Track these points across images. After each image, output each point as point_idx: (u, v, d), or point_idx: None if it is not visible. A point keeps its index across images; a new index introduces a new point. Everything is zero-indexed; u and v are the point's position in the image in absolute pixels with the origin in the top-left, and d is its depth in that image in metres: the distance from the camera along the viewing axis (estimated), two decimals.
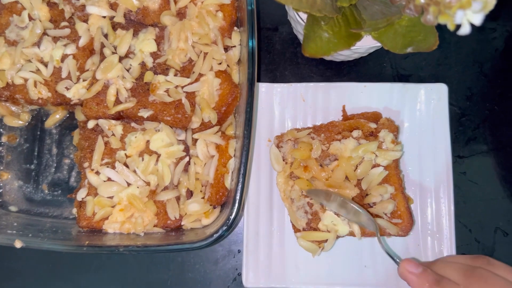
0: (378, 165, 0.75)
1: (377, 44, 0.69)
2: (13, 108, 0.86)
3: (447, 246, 0.78)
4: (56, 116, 0.86)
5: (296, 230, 0.76)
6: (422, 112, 0.83)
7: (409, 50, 0.63)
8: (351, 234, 0.75)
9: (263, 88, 0.84)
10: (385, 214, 0.75)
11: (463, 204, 0.84)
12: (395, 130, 0.77)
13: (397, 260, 0.68)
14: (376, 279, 0.78)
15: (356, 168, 0.75)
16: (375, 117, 0.79)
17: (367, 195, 0.76)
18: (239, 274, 0.83)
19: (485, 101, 0.89)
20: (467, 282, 0.58)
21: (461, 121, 0.88)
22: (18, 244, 0.69)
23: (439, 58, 0.90)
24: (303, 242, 0.75)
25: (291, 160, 0.77)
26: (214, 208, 0.79)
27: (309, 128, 0.80)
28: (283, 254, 0.80)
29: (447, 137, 0.81)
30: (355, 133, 0.76)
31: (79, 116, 0.82)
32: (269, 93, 0.84)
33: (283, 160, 0.78)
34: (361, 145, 0.74)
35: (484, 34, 0.91)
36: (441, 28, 0.56)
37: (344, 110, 0.82)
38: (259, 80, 0.86)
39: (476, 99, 0.89)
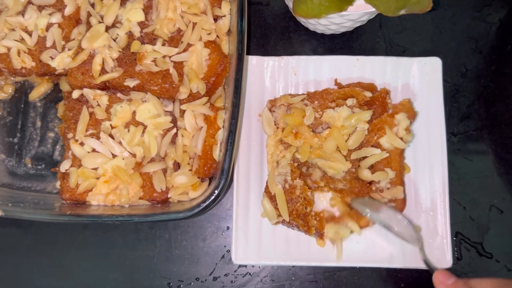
0: (379, 145, 0.73)
1: (369, 10, 0.67)
2: None
3: (441, 223, 0.76)
4: (41, 89, 0.84)
5: (267, 192, 0.73)
6: (416, 86, 0.81)
7: (402, 12, 0.61)
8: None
9: (253, 61, 0.82)
10: (380, 192, 0.73)
11: (457, 181, 0.82)
12: (413, 117, 0.74)
13: (433, 269, 0.68)
14: (367, 255, 0.76)
15: (349, 138, 0.73)
16: (370, 88, 0.78)
17: (359, 167, 0.74)
18: (228, 251, 0.81)
19: (479, 77, 0.87)
20: None
21: (455, 97, 0.86)
22: None
23: (434, 34, 0.88)
24: (267, 204, 0.72)
25: (283, 125, 0.75)
26: (202, 181, 0.76)
27: (303, 94, 0.78)
28: (274, 230, 0.77)
29: (441, 111, 0.79)
30: (350, 102, 0.74)
31: (64, 86, 0.80)
32: (260, 66, 0.82)
33: (275, 125, 0.76)
34: (354, 114, 0.72)
35: (479, 10, 0.89)
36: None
37: (337, 83, 0.80)
38: (249, 54, 0.84)
39: (470, 75, 0.87)
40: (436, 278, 0.64)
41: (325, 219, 0.75)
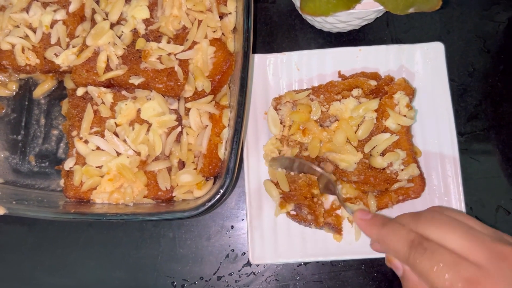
0: (387, 129, 0.73)
1: (377, 8, 0.66)
2: (0, 77, 0.83)
3: (456, 207, 0.76)
4: (45, 86, 0.83)
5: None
6: (420, 73, 0.80)
7: (411, 10, 0.60)
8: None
9: (256, 59, 0.81)
10: (395, 175, 0.72)
11: (464, 181, 0.81)
12: (411, 93, 0.74)
13: (352, 210, 0.69)
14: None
15: (358, 128, 0.72)
16: (374, 77, 0.77)
17: (370, 155, 0.73)
18: (232, 251, 0.80)
19: (487, 77, 0.86)
20: (413, 221, 0.55)
21: (462, 97, 0.85)
22: (1, 210, 0.66)
23: (441, 33, 0.87)
24: (269, 183, 0.75)
25: (290, 123, 0.74)
26: (207, 180, 0.76)
27: (308, 89, 0.77)
28: (289, 228, 0.76)
29: (447, 97, 0.78)
30: (355, 92, 0.73)
31: (68, 84, 0.79)
32: (262, 64, 0.81)
33: (281, 123, 0.75)
34: (362, 104, 0.72)
35: (487, 9, 0.88)
36: None
37: (340, 75, 0.79)
38: (255, 52, 0.83)
39: (478, 75, 0.86)
40: (356, 217, 0.63)
41: (343, 200, 0.75)
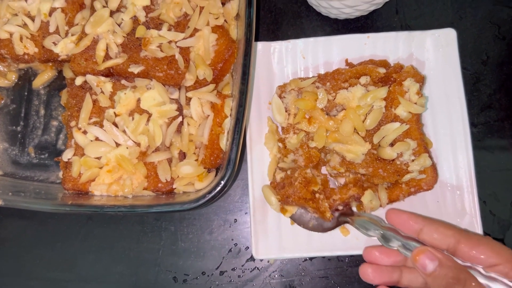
0: (397, 118, 0.70)
1: None
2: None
3: (469, 201, 0.73)
4: (45, 76, 0.81)
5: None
6: (431, 61, 0.77)
7: None
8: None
9: (259, 47, 0.78)
10: (406, 166, 0.69)
11: (477, 174, 0.77)
12: (420, 80, 0.71)
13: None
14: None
15: (366, 118, 0.69)
16: (383, 65, 0.74)
17: (379, 146, 0.70)
18: (235, 245, 0.78)
19: (502, 65, 0.82)
20: None
21: (475, 86, 0.82)
22: None
23: (453, 19, 0.84)
24: (267, 190, 0.73)
25: (295, 111, 0.72)
26: (209, 171, 0.74)
27: (314, 77, 0.74)
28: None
29: (460, 86, 0.75)
30: (363, 80, 0.70)
31: (67, 73, 0.77)
32: (267, 52, 0.78)
33: (286, 111, 0.73)
34: (370, 92, 0.68)
35: None
36: None
37: (348, 63, 0.76)
38: (258, 40, 0.80)
39: (492, 63, 0.82)
40: (420, 261, 0.60)
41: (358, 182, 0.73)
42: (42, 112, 0.81)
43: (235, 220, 0.79)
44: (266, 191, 0.73)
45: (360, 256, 0.75)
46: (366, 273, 0.65)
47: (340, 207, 0.71)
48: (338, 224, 0.71)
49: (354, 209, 0.73)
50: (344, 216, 0.71)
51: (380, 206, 0.72)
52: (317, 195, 0.70)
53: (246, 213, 0.79)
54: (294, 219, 0.73)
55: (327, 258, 0.77)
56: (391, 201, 0.72)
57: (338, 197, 0.71)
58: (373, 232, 0.66)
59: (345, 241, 0.73)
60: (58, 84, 0.82)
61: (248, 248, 0.78)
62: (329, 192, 0.72)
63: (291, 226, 0.74)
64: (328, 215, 0.69)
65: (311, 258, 0.77)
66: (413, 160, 0.69)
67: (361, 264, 0.66)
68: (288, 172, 0.72)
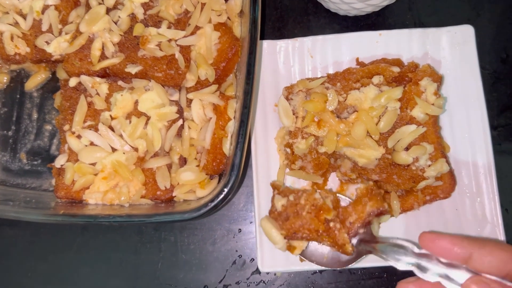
0: (413, 120, 0.65)
1: None
2: None
3: (491, 209, 0.68)
4: (38, 78, 0.78)
5: (275, 187, 0.65)
6: (447, 60, 0.73)
7: None
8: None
9: (264, 45, 0.74)
10: (422, 172, 0.64)
11: (498, 180, 0.73)
12: (438, 80, 0.67)
13: None
14: None
15: (379, 120, 0.64)
16: (397, 63, 0.70)
17: (394, 150, 0.65)
18: (240, 256, 0.73)
19: None
20: None
21: (494, 86, 0.78)
22: None
23: (470, 15, 0.80)
24: (267, 224, 0.62)
25: (303, 114, 0.67)
26: (211, 178, 0.69)
27: (323, 77, 0.70)
28: None
29: (478, 86, 0.71)
30: (376, 79, 0.66)
31: (61, 74, 0.74)
32: (272, 51, 0.74)
33: (294, 114, 0.68)
34: (383, 92, 0.64)
35: None
36: None
37: (359, 62, 0.72)
38: (264, 39, 0.76)
39: None
40: None
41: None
42: (35, 115, 0.77)
43: (240, 230, 0.74)
44: (266, 226, 0.62)
45: (374, 268, 0.71)
46: None
47: (361, 230, 0.60)
48: (359, 255, 0.61)
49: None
50: (366, 244, 0.59)
51: (392, 215, 0.67)
52: (331, 224, 0.60)
53: (251, 222, 0.74)
54: (306, 256, 0.64)
55: (338, 271, 0.72)
56: (404, 210, 0.68)
57: (355, 218, 0.60)
58: (405, 263, 0.54)
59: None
60: (52, 86, 0.78)
61: (253, 260, 0.73)
62: (343, 213, 0.62)
63: None
64: (349, 249, 0.59)
65: (321, 271, 0.72)
66: (429, 166, 0.64)
67: None
68: (291, 198, 0.63)
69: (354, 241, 0.60)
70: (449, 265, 0.50)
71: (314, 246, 0.65)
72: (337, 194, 0.64)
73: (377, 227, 0.65)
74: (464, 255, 0.50)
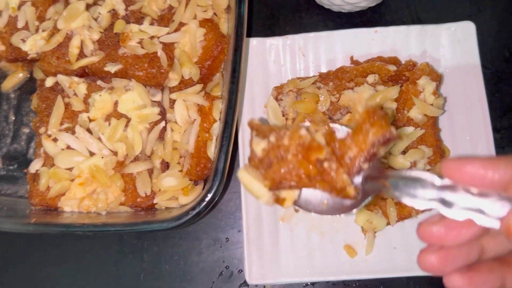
0: (410, 121, 0.62)
1: None
2: None
3: None
4: (15, 78, 0.74)
5: (253, 127, 0.46)
6: (447, 58, 0.69)
7: None
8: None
9: (254, 43, 0.70)
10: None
11: None
12: (437, 79, 0.64)
13: None
14: (407, 262, 0.63)
15: None
16: (393, 62, 0.66)
17: (390, 154, 0.62)
18: (227, 268, 0.69)
19: None
20: None
21: (497, 86, 0.74)
22: None
23: (471, 12, 0.76)
24: (246, 175, 0.44)
25: (293, 115, 0.63)
26: (196, 184, 0.65)
27: (314, 76, 0.66)
28: (293, 240, 0.66)
29: (480, 86, 0.67)
30: (371, 78, 0.62)
31: (38, 74, 0.70)
32: (262, 49, 0.70)
33: (283, 116, 0.64)
34: (378, 92, 0.61)
35: None
36: None
37: (353, 61, 0.68)
38: (252, 36, 0.72)
39: None
40: None
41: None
42: (11, 118, 0.73)
43: (227, 239, 0.70)
44: (245, 178, 0.45)
45: (370, 280, 0.67)
46: (429, 262, 0.39)
47: (365, 166, 0.44)
48: (365, 195, 0.45)
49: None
50: (373, 181, 0.44)
51: (388, 224, 0.63)
52: (325, 164, 0.44)
53: (239, 231, 0.70)
54: (301, 207, 0.48)
55: (331, 283, 0.68)
56: (401, 218, 0.64)
57: (355, 151, 0.44)
58: (425, 199, 0.40)
59: (352, 264, 0.65)
60: (30, 87, 0.74)
61: (241, 271, 0.69)
62: (340, 147, 0.45)
63: (290, 246, 0.65)
64: (351, 192, 0.44)
65: (313, 283, 0.67)
66: (428, 170, 0.60)
67: (420, 250, 0.41)
68: (272, 139, 0.45)
69: (359, 179, 0.45)
70: (482, 194, 0.38)
71: (310, 191, 0.48)
72: (331, 125, 0.47)
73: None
74: (503, 180, 0.37)
